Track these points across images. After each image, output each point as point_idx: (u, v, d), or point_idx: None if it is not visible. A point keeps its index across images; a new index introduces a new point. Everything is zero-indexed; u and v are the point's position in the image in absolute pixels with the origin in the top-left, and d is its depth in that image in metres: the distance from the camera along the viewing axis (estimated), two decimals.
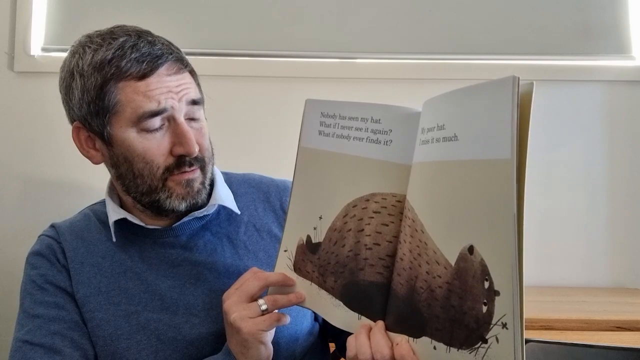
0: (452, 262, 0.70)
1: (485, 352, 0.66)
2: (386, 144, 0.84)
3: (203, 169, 1.06)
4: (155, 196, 1.03)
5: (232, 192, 1.15)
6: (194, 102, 1.03)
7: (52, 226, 1.13)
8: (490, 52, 1.89)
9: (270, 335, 0.95)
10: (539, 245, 1.85)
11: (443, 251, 0.71)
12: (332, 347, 1.24)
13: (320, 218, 0.93)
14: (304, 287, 0.95)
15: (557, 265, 1.86)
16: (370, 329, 0.81)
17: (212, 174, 1.10)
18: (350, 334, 0.84)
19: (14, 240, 1.82)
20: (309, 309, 0.96)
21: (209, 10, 1.90)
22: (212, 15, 1.90)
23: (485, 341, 0.66)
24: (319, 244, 0.93)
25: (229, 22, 1.90)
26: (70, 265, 1.07)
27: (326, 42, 1.89)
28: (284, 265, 0.98)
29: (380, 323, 0.81)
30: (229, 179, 1.18)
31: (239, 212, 1.12)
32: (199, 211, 1.07)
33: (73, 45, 1.06)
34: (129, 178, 1.04)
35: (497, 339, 0.64)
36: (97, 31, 1.05)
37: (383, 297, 0.82)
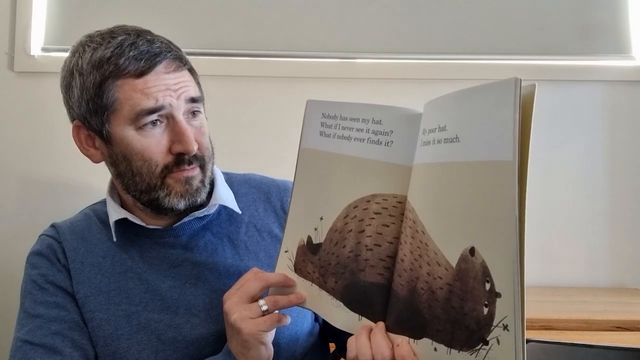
0: (453, 263, 0.70)
1: (486, 354, 0.66)
2: (387, 145, 0.84)
3: (203, 167, 1.05)
4: (154, 194, 1.03)
5: (233, 192, 1.14)
6: (193, 100, 1.03)
7: (53, 226, 1.13)
8: (490, 52, 1.89)
9: (270, 335, 0.95)
10: (539, 246, 1.85)
11: (444, 252, 0.71)
12: (332, 347, 1.24)
13: (321, 219, 0.93)
14: (305, 288, 0.95)
15: (557, 265, 1.86)
16: (370, 330, 0.81)
17: (212, 173, 1.10)
18: (351, 334, 0.84)
19: (14, 240, 1.82)
20: (310, 310, 0.96)
21: (209, 10, 1.90)
22: (212, 15, 1.89)
23: (486, 343, 0.65)
24: (319, 245, 0.93)
25: (229, 22, 1.90)
26: (70, 265, 1.07)
27: (326, 42, 1.89)
28: (284, 265, 0.98)
29: (381, 324, 0.81)
30: (230, 179, 1.18)
31: (239, 212, 1.12)
32: (199, 211, 1.07)
33: (74, 45, 1.06)
34: (128, 176, 1.04)
35: (498, 341, 0.64)
36: (97, 31, 1.05)
37: (384, 298, 0.82)
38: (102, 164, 1.09)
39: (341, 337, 1.14)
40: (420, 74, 1.89)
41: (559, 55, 1.89)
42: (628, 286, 1.87)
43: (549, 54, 1.89)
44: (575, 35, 1.89)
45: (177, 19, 1.89)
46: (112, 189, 1.12)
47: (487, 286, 0.65)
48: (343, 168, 0.90)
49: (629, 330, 1.45)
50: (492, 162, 0.66)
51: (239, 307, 0.93)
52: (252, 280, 0.95)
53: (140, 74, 0.99)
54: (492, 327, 0.65)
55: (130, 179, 1.04)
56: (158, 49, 1.01)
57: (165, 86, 1.00)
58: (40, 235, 1.13)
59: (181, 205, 1.04)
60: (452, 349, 0.70)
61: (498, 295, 0.64)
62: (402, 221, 0.80)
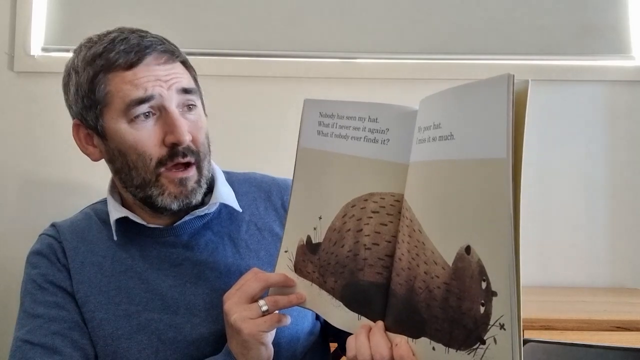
0: (450, 262, 0.70)
1: (484, 353, 0.65)
2: (383, 143, 0.84)
3: (199, 165, 1.05)
4: (149, 191, 1.03)
5: (234, 191, 1.14)
6: (186, 92, 1.03)
7: (53, 225, 1.13)
8: (490, 52, 1.89)
9: (270, 336, 0.94)
10: (539, 245, 1.85)
11: (440, 251, 0.71)
12: (333, 346, 1.24)
13: (320, 218, 0.93)
14: (305, 288, 0.95)
15: (557, 265, 1.87)
16: (370, 330, 0.81)
17: (210, 172, 1.09)
18: (351, 334, 0.84)
19: (14, 239, 1.82)
20: (310, 310, 0.96)
21: (209, 10, 1.90)
22: (212, 15, 1.90)
23: (483, 342, 0.65)
24: (319, 245, 0.93)
25: (229, 22, 1.90)
26: (70, 265, 1.07)
27: (326, 42, 1.90)
28: (284, 265, 0.98)
29: (380, 323, 0.81)
30: (230, 178, 1.18)
31: (240, 210, 1.12)
32: (200, 210, 1.07)
33: (75, 47, 1.08)
34: (124, 171, 1.04)
35: (495, 340, 0.64)
36: (97, 33, 1.06)
37: (383, 298, 0.82)
38: (102, 163, 1.09)
39: (342, 336, 1.14)
40: (420, 74, 1.89)
41: (559, 55, 1.89)
42: (628, 286, 1.87)
43: (549, 53, 1.89)
44: (575, 35, 1.89)
45: (177, 19, 1.89)
46: (113, 188, 1.13)
47: (484, 285, 0.65)
48: (340, 167, 0.90)
49: (629, 330, 1.45)
50: (486, 160, 0.66)
51: (239, 308, 0.93)
52: (252, 280, 0.94)
53: (130, 66, 1.00)
54: (489, 327, 0.65)
55: (127, 174, 1.04)
56: (149, 42, 1.02)
57: (155, 77, 1.00)
58: (41, 235, 1.13)
59: (174, 206, 1.04)
60: (450, 348, 0.70)
61: (494, 294, 0.64)
62: (399, 220, 0.80)
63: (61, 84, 1.09)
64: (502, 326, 0.63)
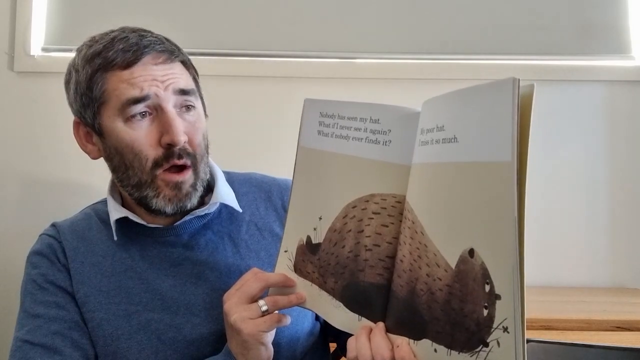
0: (453, 264, 0.70)
1: (487, 356, 0.65)
2: (385, 144, 0.84)
3: (195, 168, 1.05)
4: (144, 192, 1.03)
5: (234, 191, 1.14)
6: (184, 92, 1.03)
7: (53, 225, 1.13)
8: (490, 52, 1.89)
9: (270, 336, 0.94)
10: (539, 246, 1.85)
11: (443, 253, 0.71)
12: (333, 347, 1.24)
13: (320, 219, 0.93)
14: (305, 288, 0.95)
15: (557, 265, 1.86)
16: (370, 331, 0.81)
17: (206, 174, 1.09)
18: (351, 335, 0.84)
19: (14, 239, 1.82)
20: (310, 310, 0.96)
21: (210, 10, 1.90)
22: (212, 15, 1.89)
23: (487, 345, 0.65)
24: (319, 245, 0.92)
25: (229, 22, 1.90)
26: (70, 265, 1.07)
27: (326, 42, 1.89)
28: (284, 266, 0.98)
29: (381, 324, 0.81)
30: (231, 178, 1.18)
31: (240, 210, 1.12)
32: (200, 210, 1.07)
33: (77, 47, 1.08)
34: (121, 170, 1.04)
35: (498, 343, 0.64)
36: (101, 32, 1.07)
37: (383, 299, 0.81)
38: (102, 164, 1.09)
39: (342, 337, 1.14)
40: (420, 74, 1.89)
41: (559, 55, 1.89)
42: (628, 286, 1.87)
43: (549, 54, 1.89)
44: (575, 35, 1.89)
45: (177, 19, 1.89)
46: (113, 188, 1.13)
47: (487, 288, 0.65)
48: (341, 168, 0.90)
49: (629, 330, 1.45)
50: (490, 163, 0.66)
51: (239, 308, 0.93)
52: (251, 280, 0.94)
53: (127, 65, 1.00)
54: (492, 329, 0.65)
55: (124, 172, 1.04)
56: (147, 42, 1.02)
57: (151, 77, 1.00)
58: (41, 235, 1.13)
59: (168, 209, 1.04)
60: (452, 351, 0.70)
61: (498, 297, 0.64)
62: (401, 221, 0.80)
63: (63, 82, 1.09)
64: (505, 329, 0.63)
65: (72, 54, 1.08)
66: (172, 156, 1.01)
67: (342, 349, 1.21)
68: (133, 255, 1.07)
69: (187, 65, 1.08)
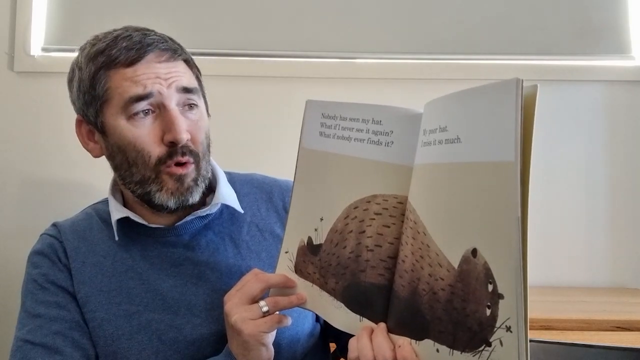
0: (455, 264, 0.70)
1: (489, 355, 0.65)
2: (387, 145, 0.84)
3: (197, 165, 1.05)
4: (147, 187, 1.03)
5: (235, 191, 1.14)
6: (186, 90, 1.03)
7: (54, 225, 1.13)
8: (490, 52, 1.89)
9: (271, 337, 0.94)
10: (539, 245, 1.84)
11: (446, 254, 0.71)
12: (332, 347, 1.24)
13: (321, 219, 0.93)
14: (305, 289, 0.94)
15: (557, 265, 1.86)
16: (372, 331, 0.81)
17: (208, 172, 1.09)
18: (352, 335, 0.84)
19: (14, 239, 1.82)
20: (310, 311, 0.96)
21: (209, 10, 1.90)
22: (212, 15, 1.89)
23: (489, 344, 0.65)
24: (320, 246, 0.92)
25: (229, 22, 1.90)
26: (71, 265, 1.07)
27: (326, 42, 1.89)
28: (285, 266, 0.98)
29: (382, 325, 0.81)
30: (232, 178, 1.18)
31: (242, 211, 1.12)
32: (201, 210, 1.07)
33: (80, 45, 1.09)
34: (124, 168, 1.04)
35: (501, 342, 0.64)
36: (104, 31, 1.07)
37: (384, 299, 0.81)
38: (103, 164, 1.09)
39: (342, 338, 1.14)
40: (420, 74, 1.89)
41: (559, 55, 1.89)
42: (628, 286, 1.87)
43: (549, 54, 1.89)
44: (575, 35, 1.89)
45: (177, 19, 1.89)
46: (115, 188, 1.13)
47: (490, 287, 0.65)
48: (343, 168, 0.90)
49: (629, 330, 1.45)
50: (494, 163, 0.66)
51: (240, 309, 0.92)
52: (252, 281, 0.94)
53: (131, 63, 1.00)
54: (495, 329, 0.65)
55: (127, 170, 1.04)
56: (151, 40, 1.02)
57: (155, 74, 1.01)
58: (42, 235, 1.13)
59: (171, 203, 1.03)
60: (454, 350, 0.70)
61: (501, 296, 0.64)
62: (402, 222, 0.80)
63: (66, 81, 1.09)
64: (508, 328, 0.63)
65: (72, 54, 1.08)
66: (176, 154, 1.01)
67: (341, 351, 1.21)
68: (134, 256, 1.07)
69: (190, 64, 1.08)
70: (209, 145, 1.09)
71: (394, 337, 0.79)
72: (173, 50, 1.04)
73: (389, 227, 0.82)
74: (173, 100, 1.01)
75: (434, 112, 0.77)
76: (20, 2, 1.88)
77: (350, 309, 0.87)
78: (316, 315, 1.10)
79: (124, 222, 1.08)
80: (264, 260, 1.09)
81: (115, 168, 1.07)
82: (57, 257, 1.08)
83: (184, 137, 1.01)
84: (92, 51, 1.03)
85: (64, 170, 1.86)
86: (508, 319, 0.63)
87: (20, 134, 1.88)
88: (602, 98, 1.90)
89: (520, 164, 0.64)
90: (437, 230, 0.73)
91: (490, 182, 0.66)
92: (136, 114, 1.00)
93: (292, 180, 0.99)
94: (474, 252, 0.67)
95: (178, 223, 1.08)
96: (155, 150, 1.01)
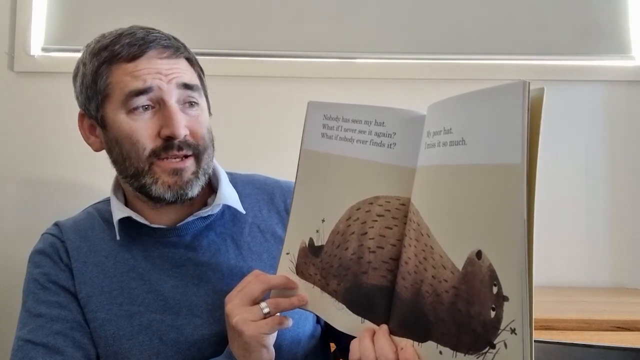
0: (459, 266, 0.70)
1: (493, 357, 0.65)
2: (390, 147, 0.84)
3: (198, 157, 1.05)
4: (142, 180, 1.03)
5: (237, 192, 1.14)
6: (187, 87, 1.04)
7: (56, 225, 1.13)
8: (490, 52, 1.89)
9: (272, 338, 0.94)
10: (538, 245, 1.84)
11: (450, 255, 0.71)
12: (333, 347, 1.24)
13: (323, 221, 0.92)
14: (307, 290, 0.94)
15: (557, 265, 1.86)
16: (374, 333, 0.81)
17: (210, 167, 1.09)
18: (353, 337, 0.84)
19: (15, 239, 1.82)
20: (312, 312, 0.96)
21: (209, 10, 1.90)
22: (212, 15, 1.89)
23: (493, 346, 0.65)
24: (321, 247, 0.92)
25: (229, 22, 1.90)
26: (73, 265, 1.07)
27: (326, 42, 1.89)
28: (286, 268, 0.98)
29: (384, 327, 0.81)
30: (234, 179, 1.17)
31: (244, 212, 1.12)
32: (203, 210, 1.07)
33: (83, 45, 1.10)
34: (119, 161, 1.05)
35: (505, 345, 0.64)
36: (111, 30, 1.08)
37: (387, 301, 0.81)
38: (104, 163, 1.09)
39: (343, 340, 1.14)
40: (420, 74, 1.89)
41: (559, 55, 1.89)
42: (628, 286, 1.87)
43: (549, 54, 1.89)
44: (575, 35, 1.89)
45: (177, 19, 1.88)
46: (117, 188, 1.13)
47: (495, 290, 0.65)
48: (345, 170, 0.90)
49: (629, 330, 1.45)
50: (499, 165, 0.66)
51: (241, 310, 0.92)
52: (253, 282, 0.94)
53: (132, 58, 1.01)
54: (500, 331, 0.65)
55: (122, 163, 1.04)
56: (153, 37, 1.03)
57: (155, 70, 1.01)
58: (43, 234, 1.13)
59: (168, 195, 1.03)
60: (457, 352, 0.70)
61: (505, 299, 0.64)
62: (405, 223, 0.80)
63: (72, 77, 1.10)
64: (513, 330, 0.63)
65: (72, 54, 1.10)
66: (171, 148, 1.01)
67: (341, 352, 1.21)
68: (135, 256, 1.07)
69: (193, 62, 1.09)
70: (212, 141, 1.09)
71: (397, 339, 0.79)
72: (175, 48, 1.05)
73: (391, 228, 0.82)
74: (173, 96, 1.02)
75: (438, 114, 0.76)
76: (20, 2, 1.87)
77: (352, 311, 0.87)
78: (317, 316, 1.10)
79: (125, 222, 1.07)
80: (265, 262, 1.09)
81: (114, 162, 1.07)
82: (59, 257, 1.08)
83: (182, 132, 1.01)
84: (97, 47, 1.04)
85: (64, 170, 1.86)
86: (513, 321, 0.63)
87: (20, 134, 1.87)
88: (602, 98, 1.90)
89: (526, 166, 0.63)
90: (441, 232, 0.73)
91: (496, 184, 0.66)
92: (136, 108, 1.01)
93: (294, 181, 0.99)
94: (479, 254, 0.67)
95: (180, 223, 1.08)
96: (150, 143, 1.01)
